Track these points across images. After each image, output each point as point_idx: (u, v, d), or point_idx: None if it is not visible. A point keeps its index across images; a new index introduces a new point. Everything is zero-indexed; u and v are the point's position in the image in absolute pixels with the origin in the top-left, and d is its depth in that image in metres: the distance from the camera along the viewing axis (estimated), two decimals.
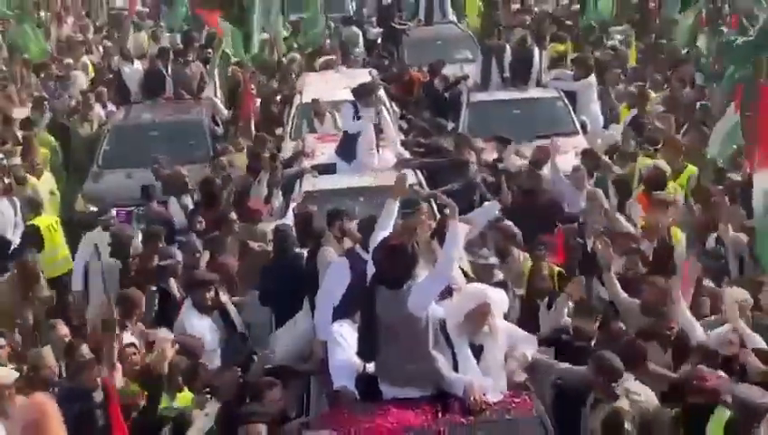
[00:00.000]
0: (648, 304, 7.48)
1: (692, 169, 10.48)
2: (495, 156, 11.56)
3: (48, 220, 10.18)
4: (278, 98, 14.58)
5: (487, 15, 18.11)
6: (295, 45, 17.45)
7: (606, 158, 11.33)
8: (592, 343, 7.00)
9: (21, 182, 10.74)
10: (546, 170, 10.51)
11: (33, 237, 9.74)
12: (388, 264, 6.13)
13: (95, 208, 10.85)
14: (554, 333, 7.33)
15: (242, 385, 6.75)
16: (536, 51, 14.47)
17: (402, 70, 16.23)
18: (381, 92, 13.05)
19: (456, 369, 6.12)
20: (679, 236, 8.89)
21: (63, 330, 7.42)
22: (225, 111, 14.58)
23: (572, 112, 12.98)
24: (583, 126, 12.81)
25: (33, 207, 10.17)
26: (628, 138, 11.67)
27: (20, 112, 14.21)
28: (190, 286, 7.99)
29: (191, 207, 10.33)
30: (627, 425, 6.11)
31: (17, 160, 11.69)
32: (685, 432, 6.38)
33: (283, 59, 17.28)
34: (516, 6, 19.30)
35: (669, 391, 6.75)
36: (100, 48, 18.36)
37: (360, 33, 19.62)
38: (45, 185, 11.46)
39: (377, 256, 6.27)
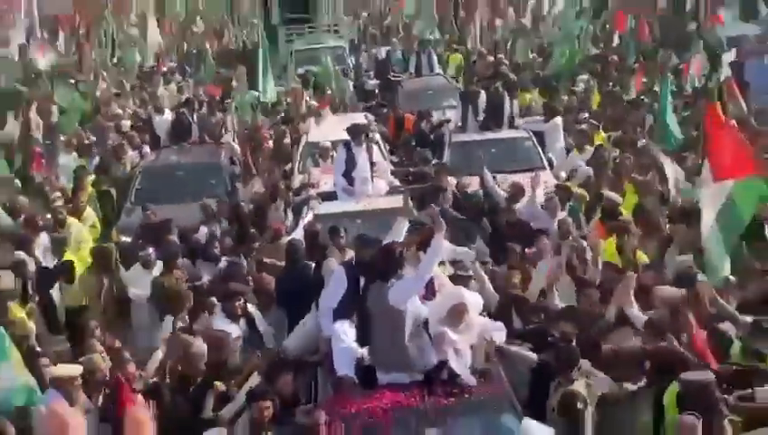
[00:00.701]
0: (583, 312, 7.70)
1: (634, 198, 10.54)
2: (478, 187, 11.70)
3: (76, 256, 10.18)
4: (287, 140, 14.78)
5: (468, 69, 18.49)
6: (306, 97, 17.79)
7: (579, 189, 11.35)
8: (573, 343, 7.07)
9: (61, 225, 10.73)
10: (521, 203, 10.54)
11: (68, 271, 9.75)
12: (380, 260, 6.52)
13: (128, 239, 11.01)
14: (539, 332, 7.48)
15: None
16: (507, 97, 14.55)
17: (394, 109, 16.52)
18: (376, 134, 13.33)
19: None
20: (643, 258, 8.97)
21: (99, 348, 7.53)
22: (240, 154, 14.42)
23: (540, 150, 13.08)
24: (550, 162, 12.93)
25: (57, 245, 10.19)
26: (602, 173, 11.64)
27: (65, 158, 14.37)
28: (225, 297, 8.07)
29: (217, 232, 10.47)
30: (579, 404, 6.22)
31: (60, 202, 11.77)
32: (654, 400, 6.44)
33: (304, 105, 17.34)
34: (491, 59, 19.56)
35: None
36: (137, 100, 18.61)
37: (351, 85, 19.68)
38: (87, 220, 11.46)
39: (376, 255, 6.69)
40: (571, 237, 9.23)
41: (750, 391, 6.40)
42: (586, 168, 12.26)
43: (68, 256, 9.99)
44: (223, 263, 9.45)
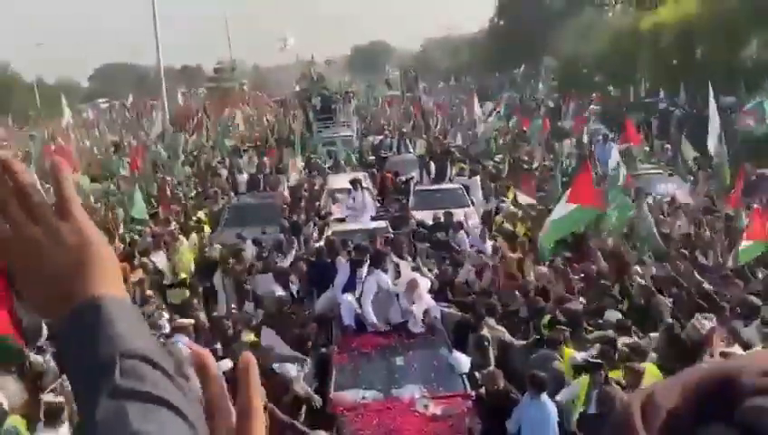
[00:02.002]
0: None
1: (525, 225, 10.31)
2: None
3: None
4: (317, 187, 14.62)
5: (429, 148, 18.79)
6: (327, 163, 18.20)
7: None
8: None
9: (174, 241, 10.32)
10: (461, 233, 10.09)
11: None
12: (374, 255, 6.92)
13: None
14: (465, 302, 7.36)
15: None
16: (448, 165, 14.72)
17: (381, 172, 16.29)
18: (369, 184, 13.34)
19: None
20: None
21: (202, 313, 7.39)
22: (289, 198, 14.18)
23: (467, 195, 12.91)
24: (472, 202, 12.71)
25: (172, 262, 9.84)
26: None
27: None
28: (278, 274, 8.20)
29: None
30: (485, 343, 6.37)
31: (173, 226, 11.43)
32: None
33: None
34: (445, 141, 19.82)
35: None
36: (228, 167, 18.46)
37: (356, 158, 19.40)
38: (191, 240, 10.88)
39: (373, 252, 7.06)
40: (500, 253, 8.85)
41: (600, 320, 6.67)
42: (505, 205, 12.20)
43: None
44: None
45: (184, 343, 5.95)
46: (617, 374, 5.40)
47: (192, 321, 6.66)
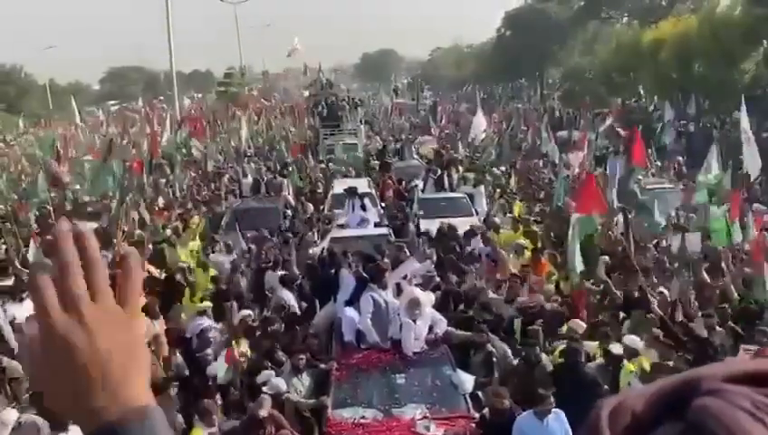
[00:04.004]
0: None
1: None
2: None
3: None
4: (320, 191, 14.61)
5: (436, 156, 18.54)
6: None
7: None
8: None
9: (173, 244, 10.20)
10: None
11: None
12: (374, 272, 6.64)
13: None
14: (466, 317, 7.13)
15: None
16: (446, 174, 14.53)
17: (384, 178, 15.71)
18: (373, 191, 13.04)
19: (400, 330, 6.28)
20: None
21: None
22: (293, 202, 14.08)
23: (471, 205, 12.65)
24: (477, 212, 12.45)
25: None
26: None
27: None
28: (287, 280, 8.11)
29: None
30: (494, 359, 6.24)
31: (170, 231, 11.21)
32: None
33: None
34: (453, 152, 19.58)
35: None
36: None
37: (362, 163, 19.14)
38: (194, 244, 10.57)
39: (372, 268, 6.82)
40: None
41: None
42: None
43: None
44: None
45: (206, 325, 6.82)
46: (633, 367, 5.62)
47: (210, 304, 7.12)
